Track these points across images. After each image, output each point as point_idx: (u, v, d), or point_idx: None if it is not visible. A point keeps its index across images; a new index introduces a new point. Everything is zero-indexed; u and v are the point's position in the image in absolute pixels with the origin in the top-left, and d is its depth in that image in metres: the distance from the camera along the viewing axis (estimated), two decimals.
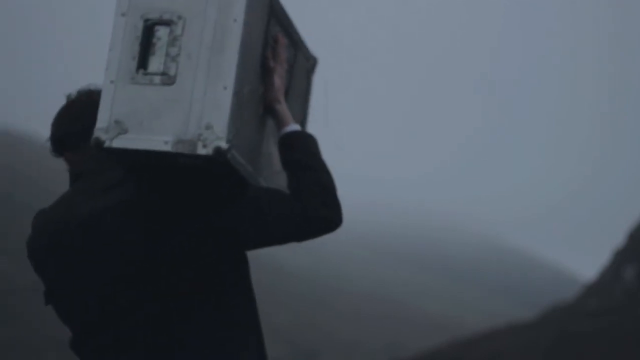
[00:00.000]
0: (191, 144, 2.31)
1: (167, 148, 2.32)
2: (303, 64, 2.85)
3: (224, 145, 2.31)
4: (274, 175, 2.62)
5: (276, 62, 2.53)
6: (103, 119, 2.40)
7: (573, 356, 25.75)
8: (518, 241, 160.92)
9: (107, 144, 2.38)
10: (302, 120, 2.85)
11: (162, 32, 2.42)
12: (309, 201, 2.40)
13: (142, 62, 2.42)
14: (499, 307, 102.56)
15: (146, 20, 2.45)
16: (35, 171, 63.76)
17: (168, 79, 2.38)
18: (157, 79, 2.39)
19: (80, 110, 2.60)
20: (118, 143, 2.37)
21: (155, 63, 2.41)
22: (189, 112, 2.33)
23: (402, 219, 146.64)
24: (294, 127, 2.54)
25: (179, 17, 2.39)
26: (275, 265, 75.78)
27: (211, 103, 2.33)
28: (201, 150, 2.31)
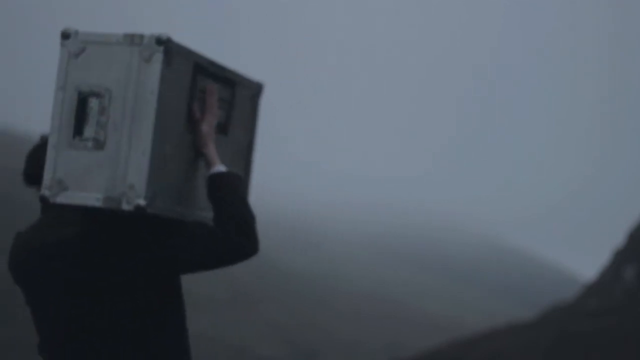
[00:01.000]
0: (117, 201, 2.83)
1: (99, 204, 2.84)
2: (245, 94, 3.25)
3: (142, 202, 2.81)
4: (202, 202, 3.08)
5: (203, 112, 2.98)
6: (47, 178, 2.90)
7: (573, 356, 25.75)
8: (518, 241, 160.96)
9: (51, 200, 2.89)
10: (250, 141, 3.31)
11: (93, 103, 2.87)
12: (228, 232, 2.87)
13: (78, 130, 2.88)
14: (499, 307, 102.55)
15: (80, 93, 2.89)
16: None
17: (98, 145, 2.86)
18: (90, 144, 2.87)
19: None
20: (60, 199, 2.89)
21: (89, 130, 2.87)
22: (115, 173, 2.83)
23: (402, 219, 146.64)
24: (219, 167, 2.96)
25: (107, 90, 2.85)
26: (275, 265, 75.77)
27: (133, 166, 2.82)
28: (125, 207, 2.82)
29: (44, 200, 2.89)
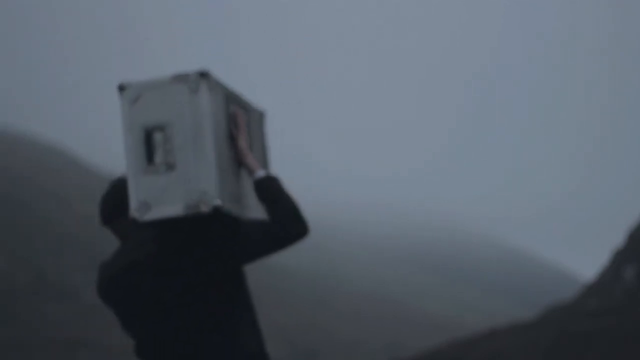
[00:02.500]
0: (196, 206, 3.47)
1: (181, 212, 3.48)
2: (255, 119, 3.90)
3: (219, 202, 3.46)
4: (255, 206, 3.73)
5: (238, 131, 3.66)
6: (133, 203, 3.55)
7: (573, 356, 25.75)
8: (518, 241, 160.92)
9: (140, 219, 3.53)
10: (264, 157, 3.93)
11: (158, 135, 3.52)
12: (283, 223, 3.53)
13: (150, 158, 3.53)
14: (499, 307, 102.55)
15: (145, 130, 3.54)
16: (34, 171, 63.76)
17: (169, 167, 3.51)
18: (162, 168, 3.52)
19: (121, 194, 3.73)
20: (147, 217, 3.52)
21: (159, 157, 3.52)
22: (189, 186, 3.48)
23: (402, 219, 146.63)
24: (261, 173, 3.63)
25: (168, 123, 3.51)
26: (275, 265, 75.76)
27: (203, 177, 3.48)
28: (203, 209, 3.46)
29: (135, 221, 3.54)
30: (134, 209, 3.53)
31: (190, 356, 3.61)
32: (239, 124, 3.69)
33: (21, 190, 57.27)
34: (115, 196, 3.76)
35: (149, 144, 3.54)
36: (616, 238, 33.26)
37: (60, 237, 53.18)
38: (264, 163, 3.90)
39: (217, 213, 3.48)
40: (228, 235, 3.55)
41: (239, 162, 3.69)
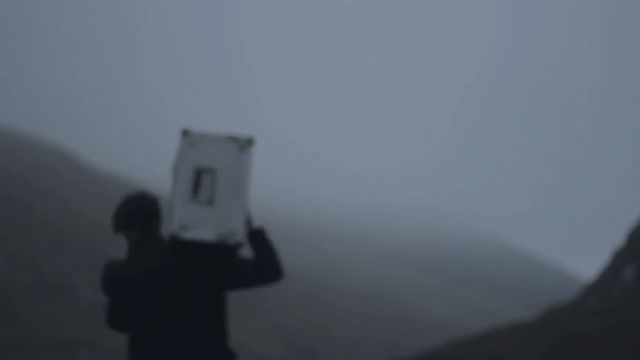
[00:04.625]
0: (224, 238, 4.53)
1: (212, 239, 4.52)
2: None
3: (242, 240, 4.59)
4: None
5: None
6: (176, 222, 4.53)
7: (573, 356, 25.76)
8: (518, 241, 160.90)
9: (179, 237, 4.53)
10: None
11: (205, 175, 4.56)
12: (265, 268, 4.65)
13: (195, 192, 4.55)
14: (499, 307, 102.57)
15: (196, 169, 4.57)
16: (34, 172, 63.75)
17: (210, 202, 4.53)
18: (204, 201, 4.54)
19: (136, 205, 4.75)
20: (186, 236, 4.52)
21: (203, 193, 4.55)
22: (223, 221, 4.52)
23: (402, 219, 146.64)
24: (258, 224, 4.70)
25: (214, 168, 4.57)
26: None
27: (235, 216, 4.53)
28: (230, 242, 4.55)
29: (174, 237, 4.53)
30: (176, 227, 4.54)
31: (190, 350, 4.61)
32: None
33: (21, 190, 57.27)
34: (129, 209, 4.73)
35: (198, 181, 4.57)
36: (616, 238, 33.26)
37: (60, 237, 53.20)
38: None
39: (236, 247, 4.64)
40: (226, 266, 4.63)
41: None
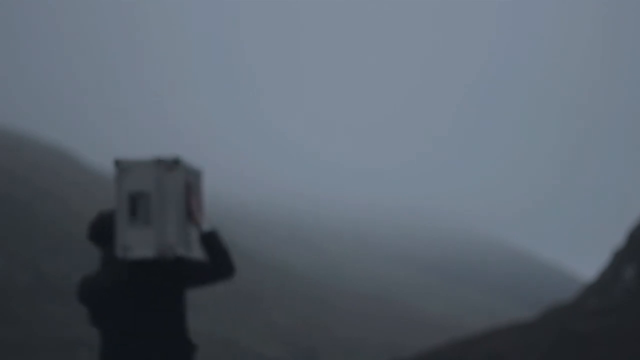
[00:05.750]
0: (164, 253, 5.05)
1: (153, 255, 5.06)
2: (199, 177, 5.36)
3: (180, 252, 5.09)
4: (198, 247, 5.25)
5: (190, 196, 5.21)
6: (119, 245, 5.09)
7: (573, 356, 25.76)
8: (518, 241, 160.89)
9: (124, 257, 5.08)
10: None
11: (139, 199, 5.05)
12: (217, 266, 5.23)
13: (133, 216, 5.06)
14: (499, 307, 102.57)
15: (130, 194, 5.08)
16: (34, 171, 63.74)
17: (146, 222, 5.05)
18: (141, 223, 5.05)
19: (111, 221, 5.29)
20: (129, 256, 5.09)
21: (140, 215, 5.05)
22: (160, 238, 5.04)
23: (402, 219, 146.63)
24: (205, 227, 5.24)
25: (146, 191, 5.05)
26: (275, 265, 75.76)
27: (170, 233, 5.03)
28: (169, 255, 5.05)
29: (123, 257, 5.09)
30: (120, 249, 5.08)
31: (155, 339, 5.24)
32: (192, 191, 5.22)
33: (21, 190, 57.28)
34: (104, 224, 5.30)
35: (134, 205, 5.05)
36: (616, 238, 33.27)
37: (60, 237, 53.21)
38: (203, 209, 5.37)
39: (177, 258, 5.12)
40: (177, 270, 5.19)
41: (192, 219, 5.22)
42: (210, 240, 5.22)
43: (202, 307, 51.20)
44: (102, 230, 5.27)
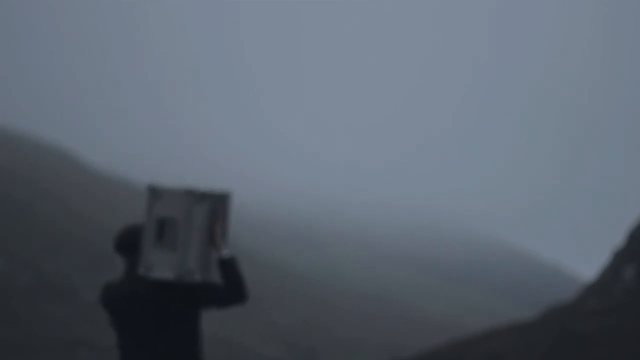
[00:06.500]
0: (183, 277, 5.39)
1: (172, 278, 5.41)
2: (226, 201, 5.64)
3: (198, 278, 5.42)
4: (216, 271, 5.57)
5: (216, 223, 5.51)
6: (143, 263, 5.46)
7: (573, 356, 25.77)
8: (518, 241, 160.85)
9: (146, 275, 5.41)
10: (227, 229, 5.67)
11: (167, 224, 5.43)
12: (230, 293, 5.49)
13: (159, 239, 5.42)
14: (499, 307, 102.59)
15: (158, 220, 5.45)
16: (34, 171, 63.73)
17: (172, 248, 5.41)
18: (167, 247, 5.42)
19: (135, 235, 5.63)
20: (151, 275, 5.44)
21: (166, 239, 5.42)
22: (181, 262, 5.39)
23: (402, 219, 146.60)
24: (225, 254, 5.49)
25: (175, 218, 5.43)
26: (275, 265, 75.78)
27: (191, 260, 5.40)
28: (187, 280, 5.41)
29: (145, 275, 5.44)
30: (143, 267, 5.45)
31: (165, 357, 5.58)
32: (217, 217, 5.51)
33: (21, 190, 57.27)
34: (129, 237, 5.66)
35: (161, 229, 5.43)
36: (616, 238, 33.26)
37: (60, 237, 53.21)
38: (226, 234, 5.66)
39: (196, 283, 5.48)
40: (193, 291, 5.51)
41: (213, 245, 5.52)
42: (227, 267, 5.53)
43: None
44: (129, 242, 5.63)
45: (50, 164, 69.70)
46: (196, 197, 5.46)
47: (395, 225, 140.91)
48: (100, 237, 50.70)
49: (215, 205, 5.55)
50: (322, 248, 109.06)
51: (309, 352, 55.98)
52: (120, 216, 57.28)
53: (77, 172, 72.44)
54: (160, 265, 5.43)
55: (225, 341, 49.29)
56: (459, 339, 33.18)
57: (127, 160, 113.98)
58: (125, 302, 5.57)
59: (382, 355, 55.12)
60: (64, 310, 46.08)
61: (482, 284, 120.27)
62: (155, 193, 5.53)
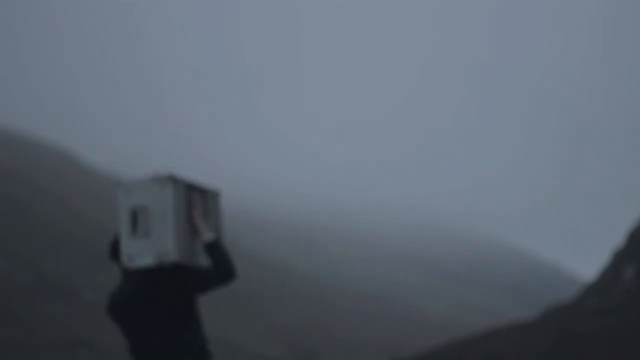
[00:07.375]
0: (162, 260, 5.52)
1: (152, 262, 5.55)
2: (212, 197, 5.88)
3: (176, 258, 5.53)
4: (204, 256, 5.72)
5: (193, 210, 5.71)
6: (123, 256, 5.60)
7: (573, 356, 25.78)
8: (518, 241, 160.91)
9: (128, 266, 5.60)
10: (218, 224, 5.94)
11: (140, 213, 5.60)
12: (219, 272, 5.65)
13: (134, 229, 5.60)
14: (499, 307, 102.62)
15: (132, 210, 5.62)
16: (34, 171, 63.75)
17: (146, 235, 5.56)
18: (141, 235, 5.57)
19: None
20: (132, 265, 5.58)
21: (140, 228, 5.59)
22: (158, 247, 5.53)
23: (402, 218, 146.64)
24: (207, 237, 5.67)
25: (146, 206, 5.59)
26: (275, 265, 75.79)
27: (168, 242, 5.53)
28: (166, 261, 5.54)
29: (126, 266, 5.60)
30: (124, 259, 5.60)
31: (170, 349, 5.70)
32: (195, 205, 5.72)
33: (21, 190, 57.25)
34: (117, 243, 5.82)
35: (135, 219, 5.59)
36: (616, 238, 33.27)
37: (60, 237, 53.21)
38: (217, 228, 5.86)
39: (176, 265, 5.60)
40: (182, 278, 5.66)
41: (194, 229, 5.71)
42: (212, 249, 5.68)
43: (203, 307, 51.16)
44: (118, 248, 5.81)
45: (50, 164, 69.68)
46: (160, 182, 5.61)
47: (395, 225, 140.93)
48: (100, 237, 50.67)
49: (190, 195, 5.70)
50: (322, 248, 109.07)
51: (309, 352, 55.99)
52: None
53: (77, 172, 72.44)
54: (139, 254, 5.56)
55: (225, 341, 49.28)
56: (459, 339, 33.18)
57: (127, 160, 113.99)
58: (125, 304, 5.72)
59: (382, 355, 55.11)
60: (64, 310, 46.08)
61: (482, 284, 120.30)
62: (125, 187, 5.70)
